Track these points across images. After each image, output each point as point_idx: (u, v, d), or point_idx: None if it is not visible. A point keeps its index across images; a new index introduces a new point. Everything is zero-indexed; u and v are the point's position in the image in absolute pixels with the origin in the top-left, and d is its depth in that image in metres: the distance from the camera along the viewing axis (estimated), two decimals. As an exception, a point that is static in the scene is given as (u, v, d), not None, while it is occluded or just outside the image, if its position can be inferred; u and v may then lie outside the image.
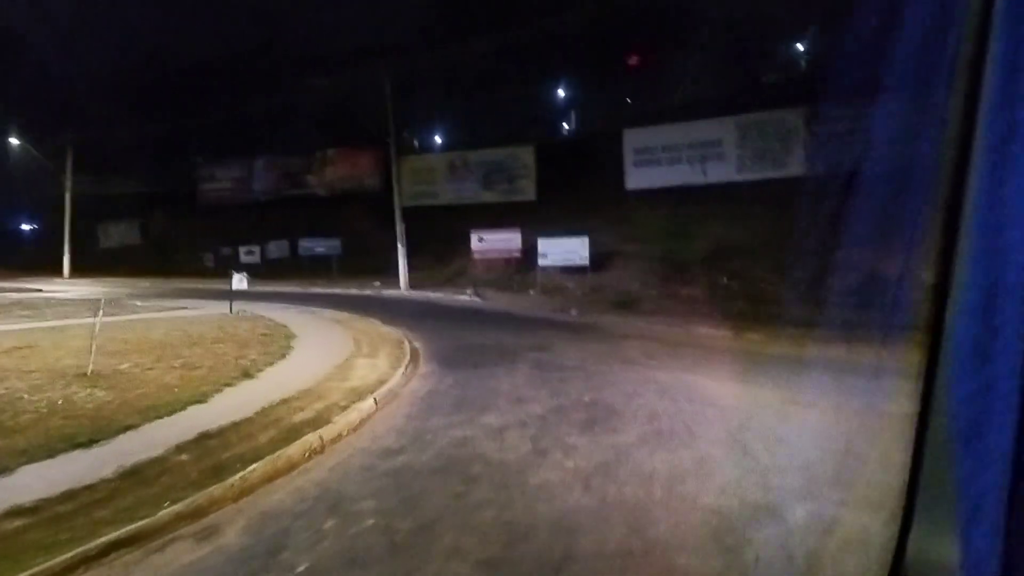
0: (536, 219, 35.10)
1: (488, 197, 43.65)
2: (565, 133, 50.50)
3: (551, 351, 16.51)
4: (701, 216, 32.02)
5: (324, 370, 13.91)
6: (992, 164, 1.58)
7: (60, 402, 11.59)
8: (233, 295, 25.17)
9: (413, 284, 34.59)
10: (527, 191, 43.12)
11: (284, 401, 11.43)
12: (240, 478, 8.14)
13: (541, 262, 31.51)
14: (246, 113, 52.06)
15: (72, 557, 6.25)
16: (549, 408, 11.32)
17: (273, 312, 23.86)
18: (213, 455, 8.85)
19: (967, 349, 1.61)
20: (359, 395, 11.93)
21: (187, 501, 7.43)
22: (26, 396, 11.98)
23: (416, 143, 53.16)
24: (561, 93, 50.74)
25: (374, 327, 20.23)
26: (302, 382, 12.78)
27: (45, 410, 11.09)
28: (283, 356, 15.55)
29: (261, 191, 55.16)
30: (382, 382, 12.96)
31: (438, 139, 53.96)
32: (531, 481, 8.14)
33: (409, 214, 37.75)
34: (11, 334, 19.54)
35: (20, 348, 16.80)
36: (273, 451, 9.04)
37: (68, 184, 50.48)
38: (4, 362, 14.87)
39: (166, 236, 56.61)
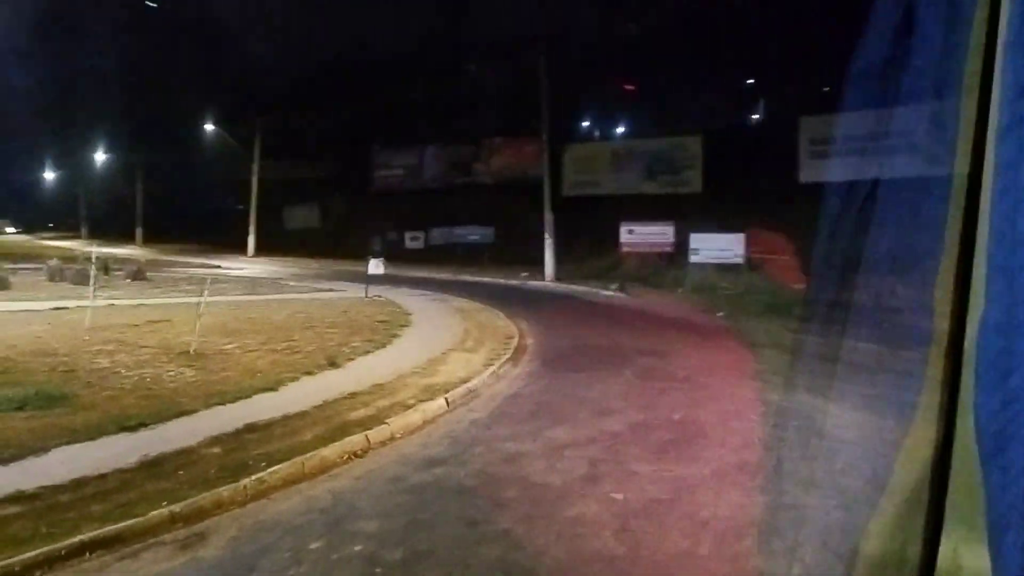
0: (700, 212, 33.07)
1: (649, 188, 41.82)
2: (741, 122, 47.50)
3: (667, 358, 15.04)
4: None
5: (415, 363, 13.33)
6: (1009, 179, 1.56)
7: (148, 379, 11.74)
8: (379, 280, 25.39)
9: (561, 276, 33.73)
10: (693, 183, 40.86)
11: (352, 395, 10.91)
12: (256, 480, 7.61)
13: (692, 258, 29.61)
14: (420, 101, 53.31)
15: (35, 556, 5.89)
16: (630, 424, 10.05)
17: (406, 299, 23.81)
18: (244, 450, 8.40)
19: (989, 363, 1.59)
20: (433, 393, 11.20)
21: (188, 502, 6.96)
22: (123, 371, 12.26)
23: (583, 131, 52.13)
24: (743, 78, 47.71)
25: (494, 319, 19.55)
26: (384, 375, 12.25)
27: (128, 387, 11.24)
28: (384, 345, 15.18)
29: (430, 178, 56.26)
30: (466, 380, 12.17)
31: (604, 127, 52.60)
32: (563, 514, 7.01)
33: (570, 204, 36.82)
34: (159, 308, 20.63)
35: (156, 322, 17.56)
36: (308, 451, 8.47)
37: (255, 168, 53.94)
38: (130, 336, 15.50)
39: (342, 220, 59.18)
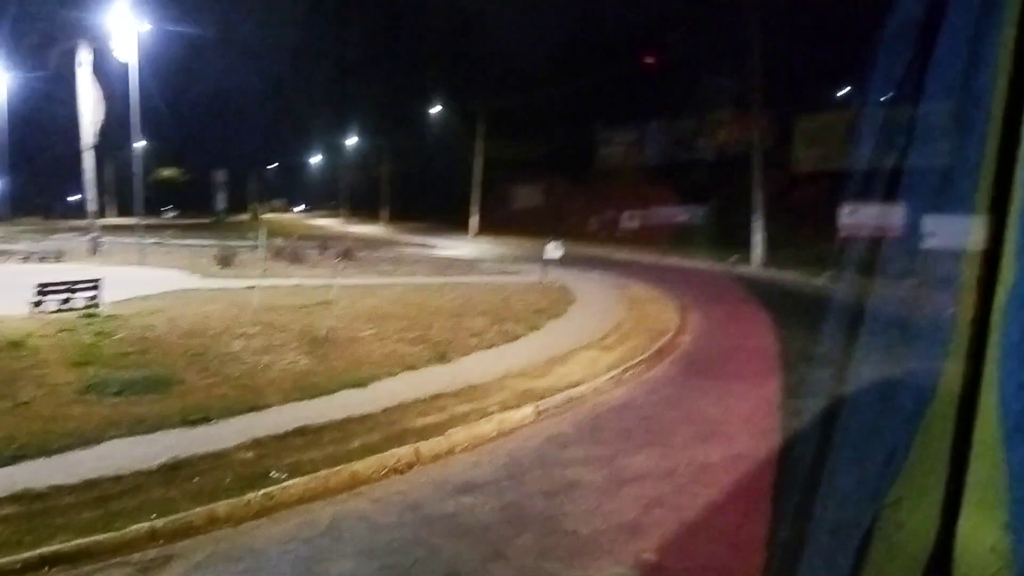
0: (941, 190, 28.42)
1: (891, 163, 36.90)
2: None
3: (835, 369, 12.59)
4: None
5: (534, 360, 12.27)
6: None
7: (260, 367, 11.78)
8: (568, 264, 24.52)
9: (775, 261, 30.62)
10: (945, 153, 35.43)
11: (435, 397, 10.10)
12: (264, 495, 7.02)
13: (928, 243, 25.43)
14: (644, 74, 51.45)
15: (-14, 567, 5.67)
16: (727, 456, 8.28)
17: (583, 284, 22.64)
18: (277, 457, 7.88)
19: (1016, 338, 1.60)
20: (525, 400, 10.09)
21: (175, 517, 6.52)
22: (245, 357, 12.43)
23: (834, 99, 47.27)
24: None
25: (662, 311, 17.83)
26: (489, 374, 11.32)
27: (235, 375, 11.30)
28: (517, 337, 14.26)
29: (652, 155, 54.30)
30: (575, 385, 10.93)
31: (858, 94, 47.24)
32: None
33: (802, 181, 33.51)
34: (334, 290, 21.21)
35: (320, 304, 17.95)
36: (343, 462, 7.77)
37: (478, 148, 55.11)
38: (283, 318, 15.91)
39: (564, 199, 58.92)
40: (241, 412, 9.36)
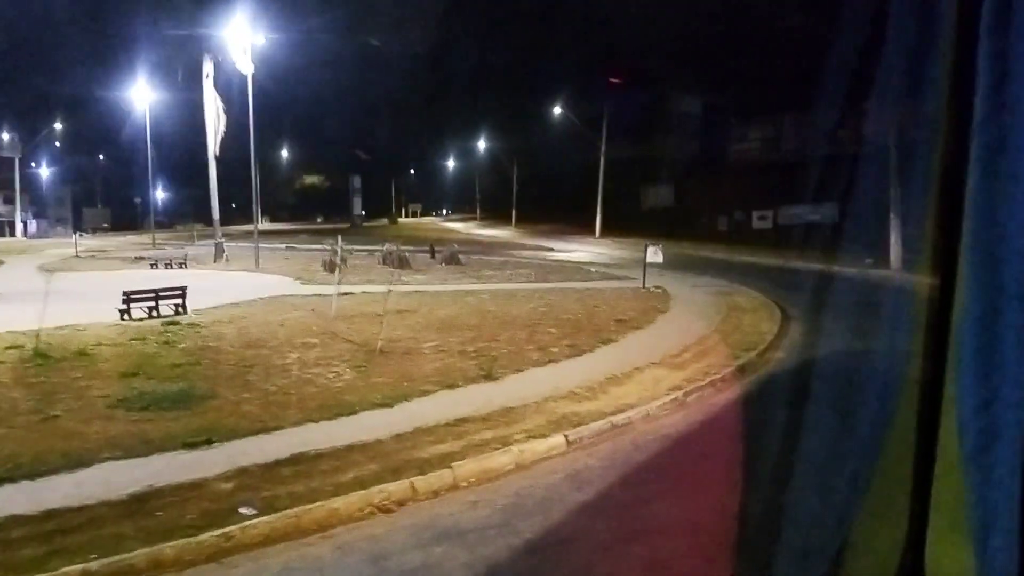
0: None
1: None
2: None
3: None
4: None
5: (590, 379, 11.16)
6: (986, 173, 1.53)
7: (302, 382, 11.36)
8: (673, 268, 23.06)
9: (916, 264, 27.64)
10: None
11: (461, 421, 9.21)
12: (222, 535, 6.37)
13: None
14: (780, 66, 48.54)
15: None
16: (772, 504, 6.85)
17: (685, 291, 21.04)
18: (259, 488, 7.24)
19: (971, 358, 1.56)
20: (560, 427, 9.01)
21: (112, 560, 5.94)
22: (293, 370, 12.07)
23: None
24: None
25: (760, 322, 16.10)
26: (533, 395, 10.32)
27: (272, 391, 10.89)
28: (583, 352, 13.17)
29: (788, 150, 51.09)
30: (624, 409, 9.76)
31: None
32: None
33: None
34: (428, 296, 20.80)
35: (400, 312, 17.48)
36: (330, 496, 7.03)
37: (603, 148, 53.70)
38: (350, 328, 15.53)
39: (693, 199, 56.56)
40: (250, 434, 8.83)
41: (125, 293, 16.51)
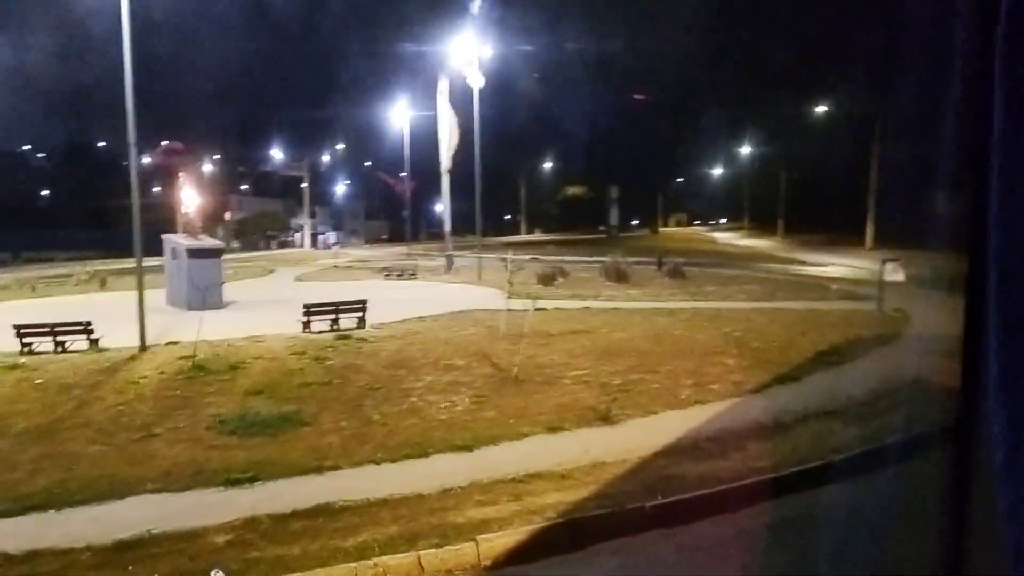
0: None
1: None
2: None
3: None
4: None
5: (740, 428, 8.97)
6: (1014, 178, 1.50)
7: (413, 411, 10.50)
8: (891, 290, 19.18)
9: None
10: None
11: (533, 476, 7.70)
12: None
13: None
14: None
15: None
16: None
17: (933, 315, 17.20)
18: (251, 546, 6.36)
19: (996, 380, 1.52)
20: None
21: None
22: (413, 397, 11.26)
23: None
24: None
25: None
26: (648, 445, 8.48)
27: (376, 418, 10.19)
28: (749, 392, 10.81)
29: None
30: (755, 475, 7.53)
31: None
32: None
33: None
34: (624, 314, 19.19)
35: (577, 332, 16.19)
36: (316, 566, 5.96)
37: (874, 151, 47.69)
38: (509, 348, 14.37)
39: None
40: (302, 472, 8.06)
41: (305, 306, 16.82)
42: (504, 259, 21.63)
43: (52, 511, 7.17)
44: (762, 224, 78.99)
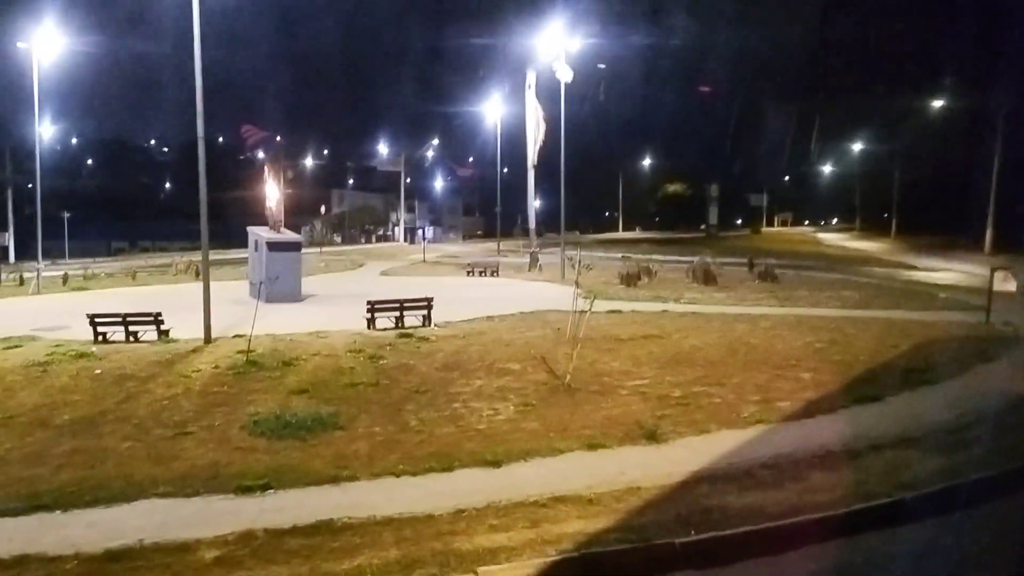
0: None
1: None
2: None
3: None
4: None
5: (803, 455, 8.05)
6: None
7: (453, 418, 10.01)
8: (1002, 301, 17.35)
9: None
10: None
11: (556, 500, 7.02)
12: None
13: None
14: None
15: None
16: None
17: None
18: (237, 567, 5.92)
19: None
20: (697, 528, 6.37)
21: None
22: (457, 402, 10.79)
23: None
24: None
25: None
26: (692, 470, 7.65)
27: (413, 424, 9.79)
28: (821, 413, 9.78)
29: None
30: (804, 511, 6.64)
31: None
32: None
33: None
34: (702, 318, 18.18)
35: (647, 338, 15.35)
36: None
37: (997, 148, 44.14)
38: (567, 353, 13.68)
39: None
40: (317, 483, 7.65)
41: (369, 303, 16.58)
42: (570, 257, 20.82)
43: (58, 512, 6.98)
44: (874, 225, 75.06)
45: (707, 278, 26.43)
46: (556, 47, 30.23)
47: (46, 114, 32.43)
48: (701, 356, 13.41)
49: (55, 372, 12.59)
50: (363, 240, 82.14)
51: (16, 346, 14.95)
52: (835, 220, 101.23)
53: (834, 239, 72.54)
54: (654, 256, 38.85)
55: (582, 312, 12.94)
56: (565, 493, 7.14)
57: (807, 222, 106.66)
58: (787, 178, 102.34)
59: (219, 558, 6.07)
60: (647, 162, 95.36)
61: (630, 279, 25.96)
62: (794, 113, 77.14)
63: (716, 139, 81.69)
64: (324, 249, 52.14)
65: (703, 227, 77.04)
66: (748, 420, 9.45)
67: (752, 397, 10.53)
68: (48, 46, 29.13)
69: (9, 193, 52.57)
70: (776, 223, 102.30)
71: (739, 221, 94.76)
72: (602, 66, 46.27)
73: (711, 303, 21.32)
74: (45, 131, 32.82)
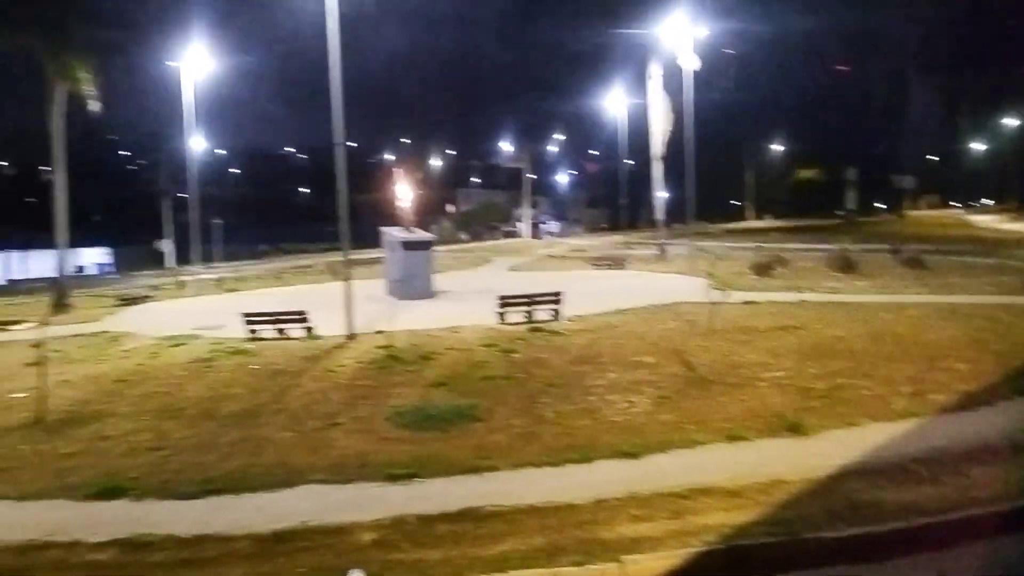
0: None
1: None
2: None
3: None
4: None
5: (953, 452, 7.68)
6: None
7: (590, 410, 10.12)
8: None
9: None
10: None
11: (700, 492, 7.02)
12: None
13: None
14: None
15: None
16: None
17: None
18: (392, 549, 6.28)
19: None
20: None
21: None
22: (592, 395, 10.88)
23: None
24: None
25: None
26: (839, 464, 7.45)
27: (551, 416, 9.94)
28: (982, 405, 9.23)
29: None
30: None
31: None
32: None
33: None
34: (837, 308, 17.48)
35: (774, 329, 14.87)
36: (473, 572, 5.81)
37: None
38: (702, 345, 13.57)
39: None
40: (459, 472, 7.98)
41: (501, 298, 16.88)
42: (701, 247, 20.40)
43: (229, 496, 7.57)
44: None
45: (847, 266, 25.27)
46: (681, 35, 29.66)
47: (197, 127, 34.61)
48: (844, 347, 12.90)
49: (217, 368, 13.55)
50: (489, 236, 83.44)
51: (181, 344, 16.17)
52: (987, 201, 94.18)
53: (987, 221, 67.46)
54: (787, 245, 37.50)
55: (716, 303, 12.70)
56: (707, 485, 7.10)
57: (956, 204, 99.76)
58: (933, 158, 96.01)
59: (376, 541, 6.43)
60: (777, 147, 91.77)
61: (763, 269, 25.20)
62: (939, 88, 72.39)
63: (853, 120, 77.72)
64: (451, 246, 53.39)
65: (840, 213, 73.42)
66: (899, 413, 9.05)
67: (902, 389, 10.06)
68: (197, 64, 31.20)
69: (167, 203, 56.65)
70: (921, 206, 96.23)
71: (880, 205, 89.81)
72: (729, 51, 44.92)
73: (852, 292, 20.39)
74: (196, 144, 34.98)
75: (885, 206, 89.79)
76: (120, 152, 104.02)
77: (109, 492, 7.68)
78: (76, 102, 24.88)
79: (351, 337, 15.73)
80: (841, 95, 73.26)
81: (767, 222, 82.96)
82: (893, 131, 74.31)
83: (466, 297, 23.45)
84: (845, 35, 60.43)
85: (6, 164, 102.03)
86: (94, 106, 24.60)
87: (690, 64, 29.83)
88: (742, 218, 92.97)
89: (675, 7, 29.96)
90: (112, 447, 9.26)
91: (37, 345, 15.67)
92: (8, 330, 20.01)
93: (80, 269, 51.84)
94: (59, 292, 25.38)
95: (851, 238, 36.63)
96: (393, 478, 7.78)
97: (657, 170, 34.31)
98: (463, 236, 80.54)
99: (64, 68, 23.50)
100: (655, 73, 33.09)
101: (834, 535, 6.05)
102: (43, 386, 11.10)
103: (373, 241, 29.55)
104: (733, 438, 8.40)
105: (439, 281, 25.05)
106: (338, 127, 16.29)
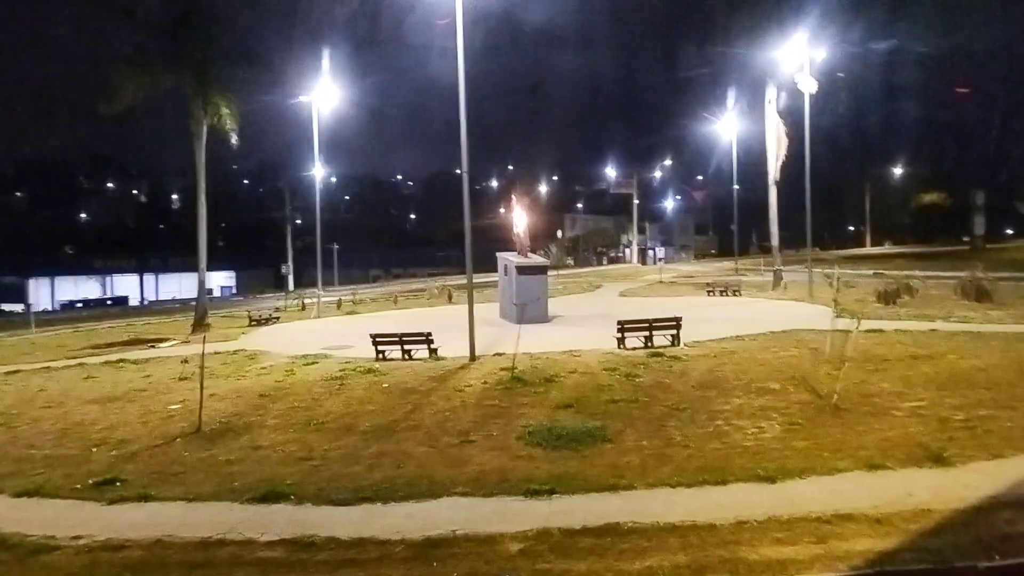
0: None
1: None
2: None
3: None
4: None
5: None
6: None
7: (718, 434, 10.15)
8: None
9: None
10: None
11: (841, 518, 6.96)
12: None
13: None
14: None
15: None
16: None
17: None
18: (540, 559, 6.58)
19: None
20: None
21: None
22: (719, 419, 10.92)
23: None
24: None
25: None
26: (987, 495, 7.29)
27: (678, 439, 10.00)
28: None
29: None
30: None
31: None
32: None
33: None
34: (971, 338, 16.81)
35: (909, 358, 14.49)
36: None
37: None
38: (831, 373, 13.29)
39: None
40: (597, 490, 8.15)
41: (619, 323, 17.06)
42: (828, 274, 19.96)
43: (379, 504, 8.03)
44: None
45: (980, 294, 24.18)
46: (799, 58, 29.27)
47: (319, 158, 36.44)
48: (983, 377, 12.44)
49: (350, 385, 14.27)
50: (595, 262, 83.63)
51: (314, 363, 17.08)
52: None
53: None
54: (912, 272, 36.03)
55: (847, 331, 12.49)
56: (849, 511, 7.06)
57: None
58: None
59: (522, 550, 6.72)
60: (897, 171, 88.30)
61: (888, 296, 24.40)
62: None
63: (978, 144, 74.01)
64: (559, 272, 53.87)
65: (966, 239, 69.84)
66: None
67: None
68: (325, 99, 32.92)
69: (288, 229, 59.56)
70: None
71: (1009, 231, 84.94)
72: (842, 75, 43.90)
73: (987, 322, 19.54)
74: (317, 172, 36.84)
75: (1012, 232, 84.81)
76: (242, 181, 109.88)
77: (270, 496, 8.29)
78: (216, 135, 26.75)
79: (473, 359, 16.23)
80: (964, 118, 69.91)
81: (886, 248, 79.81)
82: (1017, 156, 70.31)
83: (580, 322, 23.73)
84: (972, 57, 57.73)
85: (136, 193, 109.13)
86: (233, 140, 26.37)
87: (809, 87, 29.37)
88: (859, 244, 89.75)
89: (793, 29, 29.61)
90: (267, 456, 9.95)
91: (186, 361, 17.00)
92: (157, 347, 21.60)
93: (209, 292, 54.97)
94: (200, 313, 27.14)
95: (982, 265, 34.89)
96: (533, 493, 8.06)
97: (773, 195, 33.75)
98: (569, 261, 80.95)
99: (208, 105, 25.32)
100: (772, 97, 32.67)
101: (988, 564, 5.93)
102: (199, 399, 12.00)
103: (483, 266, 30.29)
104: (873, 467, 8.29)
105: (551, 306, 25.42)
106: (464, 157, 16.96)
